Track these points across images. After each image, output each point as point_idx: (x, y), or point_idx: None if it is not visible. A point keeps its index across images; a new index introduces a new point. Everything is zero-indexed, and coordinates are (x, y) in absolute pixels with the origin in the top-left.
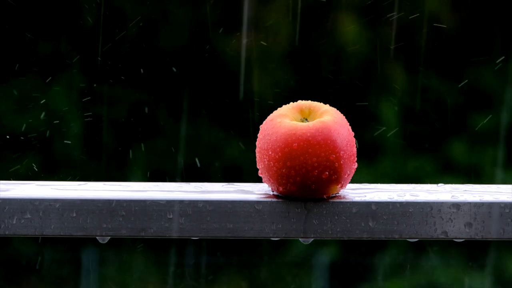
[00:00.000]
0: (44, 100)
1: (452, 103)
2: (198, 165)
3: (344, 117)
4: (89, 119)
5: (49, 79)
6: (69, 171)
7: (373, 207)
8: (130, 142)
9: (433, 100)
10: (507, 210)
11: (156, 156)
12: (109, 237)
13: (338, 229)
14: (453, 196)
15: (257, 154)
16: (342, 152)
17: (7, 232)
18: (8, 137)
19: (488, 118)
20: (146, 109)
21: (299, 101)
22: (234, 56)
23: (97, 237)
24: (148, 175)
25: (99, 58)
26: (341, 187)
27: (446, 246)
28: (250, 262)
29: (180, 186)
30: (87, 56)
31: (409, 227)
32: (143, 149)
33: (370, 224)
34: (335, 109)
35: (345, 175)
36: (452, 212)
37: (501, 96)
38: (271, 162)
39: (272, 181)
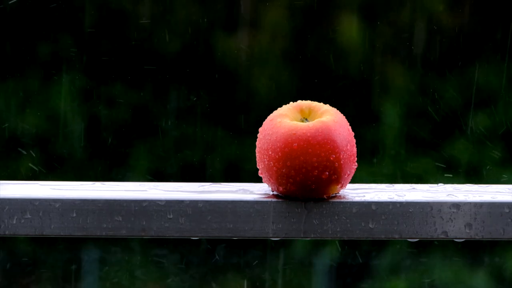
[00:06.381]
0: (44, 100)
1: (453, 102)
2: (198, 165)
3: (344, 117)
4: (89, 119)
5: (49, 79)
6: (69, 171)
7: (373, 207)
8: (130, 142)
9: (434, 100)
10: (507, 210)
11: (156, 156)
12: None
13: (338, 229)
14: (453, 196)
15: (257, 154)
16: (342, 152)
17: (7, 232)
18: (8, 137)
19: (489, 117)
20: (146, 109)
21: (299, 101)
22: (234, 56)
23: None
24: (148, 175)
25: (99, 58)
26: (341, 187)
27: (446, 246)
28: (250, 262)
29: (180, 186)
30: (88, 56)
31: (409, 227)
32: (143, 149)
33: (370, 224)
34: (335, 109)
35: (345, 175)
36: (452, 212)
37: (502, 95)
38: (271, 162)
39: (272, 181)
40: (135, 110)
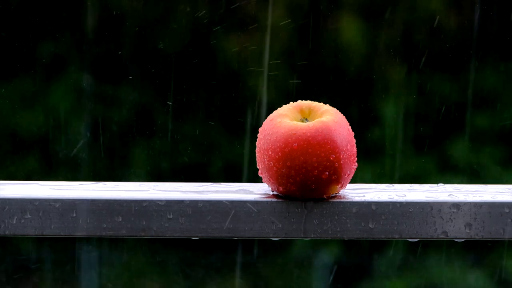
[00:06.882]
0: (44, 100)
1: (453, 102)
2: (198, 165)
3: (344, 117)
4: (89, 119)
5: (49, 79)
6: (69, 171)
7: (373, 207)
8: (130, 142)
9: (434, 100)
10: (507, 210)
11: (156, 156)
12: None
13: (338, 229)
14: (453, 196)
15: (257, 154)
16: (342, 152)
17: (7, 232)
18: (8, 137)
19: (489, 117)
20: (146, 109)
21: (299, 101)
22: (234, 56)
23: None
24: (148, 175)
25: (100, 58)
26: (341, 187)
27: (446, 246)
28: (250, 262)
29: (180, 186)
30: (88, 56)
31: (409, 227)
32: (143, 149)
33: (370, 224)
34: (335, 109)
35: (345, 175)
36: (452, 212)
37: (502, 95)
38: (271, 162)
39: (272, 181)
40: (136, 110)
